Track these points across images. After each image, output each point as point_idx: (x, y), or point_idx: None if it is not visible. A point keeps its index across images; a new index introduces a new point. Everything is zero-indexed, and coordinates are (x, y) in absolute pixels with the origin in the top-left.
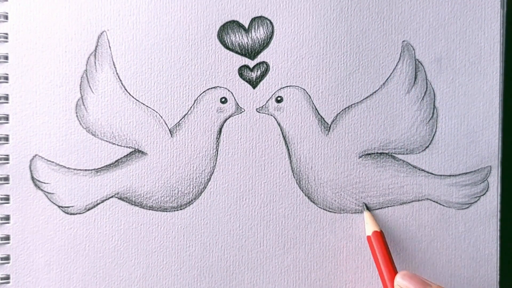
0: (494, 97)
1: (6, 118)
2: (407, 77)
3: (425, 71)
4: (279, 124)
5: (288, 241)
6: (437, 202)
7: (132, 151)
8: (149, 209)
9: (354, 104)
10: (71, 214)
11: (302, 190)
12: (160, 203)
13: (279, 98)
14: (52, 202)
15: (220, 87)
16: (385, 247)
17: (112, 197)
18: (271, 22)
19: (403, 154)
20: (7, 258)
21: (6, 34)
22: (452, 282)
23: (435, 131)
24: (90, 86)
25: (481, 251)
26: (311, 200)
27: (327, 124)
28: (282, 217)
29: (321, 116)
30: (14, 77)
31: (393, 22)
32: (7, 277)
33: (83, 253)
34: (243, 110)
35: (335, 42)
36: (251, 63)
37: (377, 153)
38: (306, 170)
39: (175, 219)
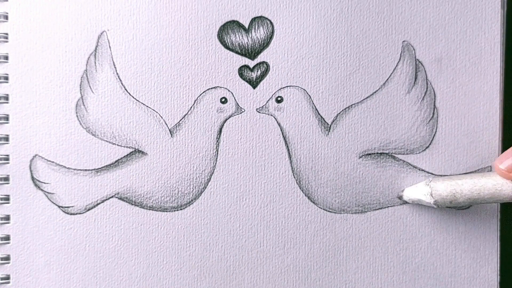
0: (494, 97)
1: (6, 118)
2: (407, 77)
3: (425, 71)
4: (279, 124)
5: (288, 241)
6: None
7: (132, 151)
8: (149, 209)
9: (354, 104)
10: (71, 214)
11: (302, 190)
12: (160, 203)
13: (279, 98)
14: (52, 202)
15: (220, 87)
16: None
17: (112, 197)
18: (271, 22)
19: (403, 154)
20: (7, 258)
21: (6, 34)
22: (452, 282)
23: (435, 131)
24: (90, 86)
25: (481, 251)
26: (311, 200)
27: (327, 124)
28: (282, 217)
29: (321, 116)
30: (14, 77)
31: (393, 22)
32: (7, 277)
33: (83, 253)
34: (243, 110)
35: (335, 42)
36: (251, 63)
37: (377, 153)
38: (306, 170)
39: (175, 219)
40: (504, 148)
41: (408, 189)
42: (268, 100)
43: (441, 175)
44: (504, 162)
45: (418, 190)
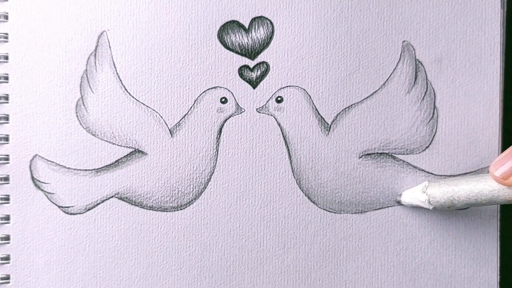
0: (494, 97)
1: (6, 118)
2: (407, 77)
3: (425, 71)
4: (279, 124)
5: (288, 241)
6: None
7: (132, 151)
8: (149, 209)
9: (354, 104)
10: (71, 214)
11: (302, 190)
12: (160, 203)
13: (279, 98)
14: (52, 202)
15: (220, 87)
16: None
17: (112, 197)
18: (271, 22)
19: (403, 154)
20: (7, 258)
21: (6, 34)
22: (452, 282)
23: (435, 131)
24: (90, 86)
25: (481, 251)
26: (311, 200)
27: (327, 124)
28: (282, 217)
29: (321, 116)
30: (14, 77)
31: (393, 22)
32: (7, 277)
33: (83, 253)
34: (243, 110)
35: (335, 42)
36: (251, 63)
37: (377, 153)
38: (306, 170)
39: (175, 219)
40: (504, 147)
41: (405, 194)
42: (268, 100)
43: (440, 176)
44: (499, 169)
45: (416, 197)
